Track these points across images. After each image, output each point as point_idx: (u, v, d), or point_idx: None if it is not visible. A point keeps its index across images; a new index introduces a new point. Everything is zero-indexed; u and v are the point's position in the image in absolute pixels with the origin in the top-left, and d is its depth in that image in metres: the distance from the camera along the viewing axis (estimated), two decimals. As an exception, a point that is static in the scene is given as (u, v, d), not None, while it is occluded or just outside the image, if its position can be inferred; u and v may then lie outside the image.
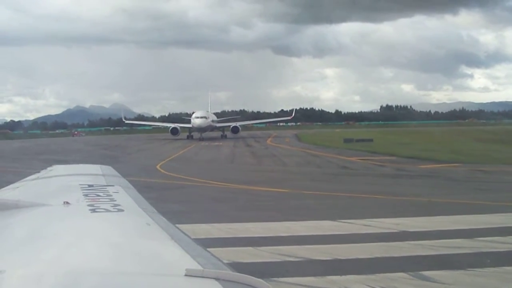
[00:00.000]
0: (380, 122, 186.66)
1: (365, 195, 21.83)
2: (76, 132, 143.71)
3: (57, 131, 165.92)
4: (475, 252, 12.52)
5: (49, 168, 6.96)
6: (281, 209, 19.13)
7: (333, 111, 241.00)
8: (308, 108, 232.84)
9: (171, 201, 20.11)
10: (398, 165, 36.24)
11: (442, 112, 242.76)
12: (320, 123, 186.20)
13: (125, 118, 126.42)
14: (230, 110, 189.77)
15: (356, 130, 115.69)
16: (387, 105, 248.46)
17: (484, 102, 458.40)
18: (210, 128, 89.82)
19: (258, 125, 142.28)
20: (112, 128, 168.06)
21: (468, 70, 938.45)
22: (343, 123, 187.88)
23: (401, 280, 10.46)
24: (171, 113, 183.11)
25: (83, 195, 4.38)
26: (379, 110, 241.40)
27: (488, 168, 32.35)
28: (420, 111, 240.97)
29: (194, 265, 2.47)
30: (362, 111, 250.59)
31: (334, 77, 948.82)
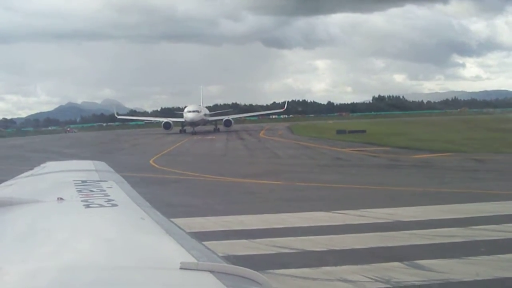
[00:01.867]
0: (373, 112, 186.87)
1: (359, 186, 21.93)
2: (68, 129, 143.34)
3: (49, 128, 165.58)
4: (469, 241, 12.59)
5: (42, 165, 6.95)
6: (275, 201, 19.16)
7: (325, 102, 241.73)
8: (300, 100, 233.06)
9: (166, 195, 20.08)
10: (392, 155, 36.26)
11: (434, 102, 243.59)
12: (312, 115, 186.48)
13: (118, 114, 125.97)
14: (222, 103, 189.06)
15: (348, 122, 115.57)
16: (379, 96, 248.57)
17: (477, 91, 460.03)
18: (203, 122, 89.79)
19: (250, 118, 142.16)
20: (104, 124, 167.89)
21: (460, 59, 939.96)
22: (335, 114, 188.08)
23: (396, 269, 10.51)
24: (163, 107, 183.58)
25: (77, 191, 4.37)
26: (371, 101, 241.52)
27: (481, 157, 32.44)
28: (413, 101, 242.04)
29: (188, 258, 2.47)
30: (355, 102, 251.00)
31: (326, 68, 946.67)
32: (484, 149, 36.59)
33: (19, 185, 5.36)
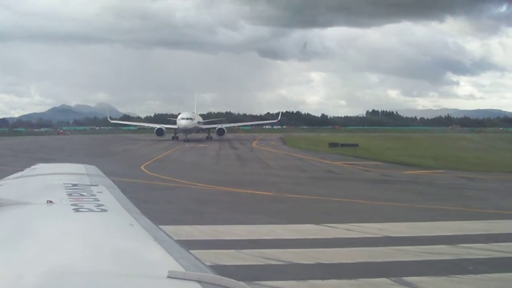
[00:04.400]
0: (366, 127, 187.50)
1: (349, 200, 21.92)
2: (61, 131, 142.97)
3: (42, 129, 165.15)
4: (458, 259, 12.60)
5: (33, 167, 6.91)
6: (264, 212, 19.11)
7: (319, 115, 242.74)
8: (294, 112, 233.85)
9: (155, 202, 20.01)
10: (383, 170, 36.35)
11: (427, 118, 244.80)
12: (306, 127, 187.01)
13: (111, 118, 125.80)
14: (216, 112, 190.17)
15: (341, 135, 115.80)
16: (373, 110, 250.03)
17: (469, 109, 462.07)
18: (196, 129, 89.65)
19: (244, 127, 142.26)
20: (97, 128, 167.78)
21: (454, 77, 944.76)
22: (329, 127, 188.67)
23: (383, 285, 10.50)
24: (156, 113, 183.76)
25: (67, 194, 4.35)
26: (364, 115, 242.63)
27: (472, 175, 32.52)
28: (406, 117, 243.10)
29: (176, 267, 2.46)
30: (348, 115, 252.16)
31: (320, 81, 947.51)
32: (475, 168, 36.63)
33: (8, 186, 5.32)
